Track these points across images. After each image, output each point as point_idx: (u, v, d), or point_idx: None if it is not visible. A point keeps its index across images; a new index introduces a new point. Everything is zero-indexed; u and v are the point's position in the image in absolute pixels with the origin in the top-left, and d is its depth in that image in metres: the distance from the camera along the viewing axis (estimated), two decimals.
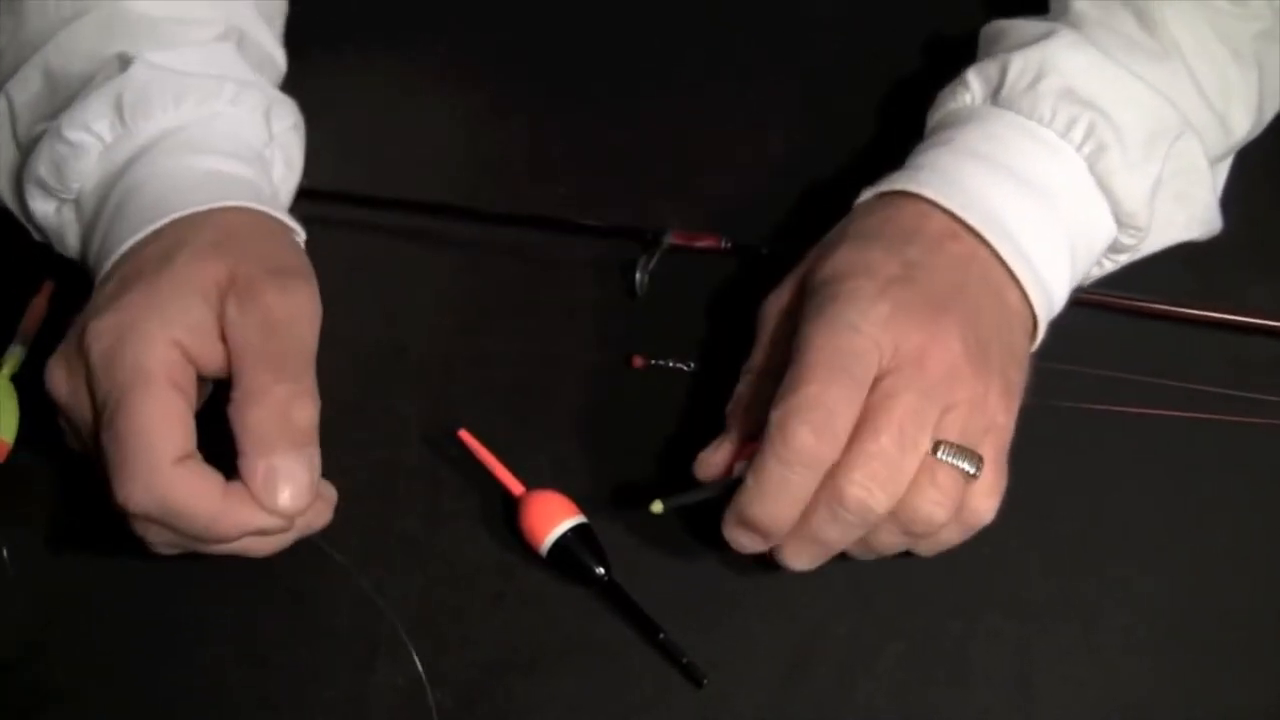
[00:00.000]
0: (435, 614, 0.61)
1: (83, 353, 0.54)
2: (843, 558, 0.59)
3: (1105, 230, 0.62)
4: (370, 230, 0.66)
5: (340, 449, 0.64)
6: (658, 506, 0.56)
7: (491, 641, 0.61)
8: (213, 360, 0.55)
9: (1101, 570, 0.62)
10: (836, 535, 0.55)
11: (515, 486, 0.63)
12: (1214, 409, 0.65)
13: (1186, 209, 0.64)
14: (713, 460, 0.59)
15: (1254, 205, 0.70)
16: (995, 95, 0.63)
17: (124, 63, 0.62)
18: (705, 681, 0.59)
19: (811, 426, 0.53)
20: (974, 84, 0.64)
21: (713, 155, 0.74)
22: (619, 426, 0.66)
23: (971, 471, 0.54)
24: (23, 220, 0.66)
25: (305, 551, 0.62)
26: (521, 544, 0.62)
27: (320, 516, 0.58)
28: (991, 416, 0.56)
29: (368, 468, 0.65)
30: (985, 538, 0.62)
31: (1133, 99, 0.61)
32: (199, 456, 0.54)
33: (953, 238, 0.58)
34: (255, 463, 0.54)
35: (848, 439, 0.53)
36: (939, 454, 0.54)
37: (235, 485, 0.54)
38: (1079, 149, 0.61)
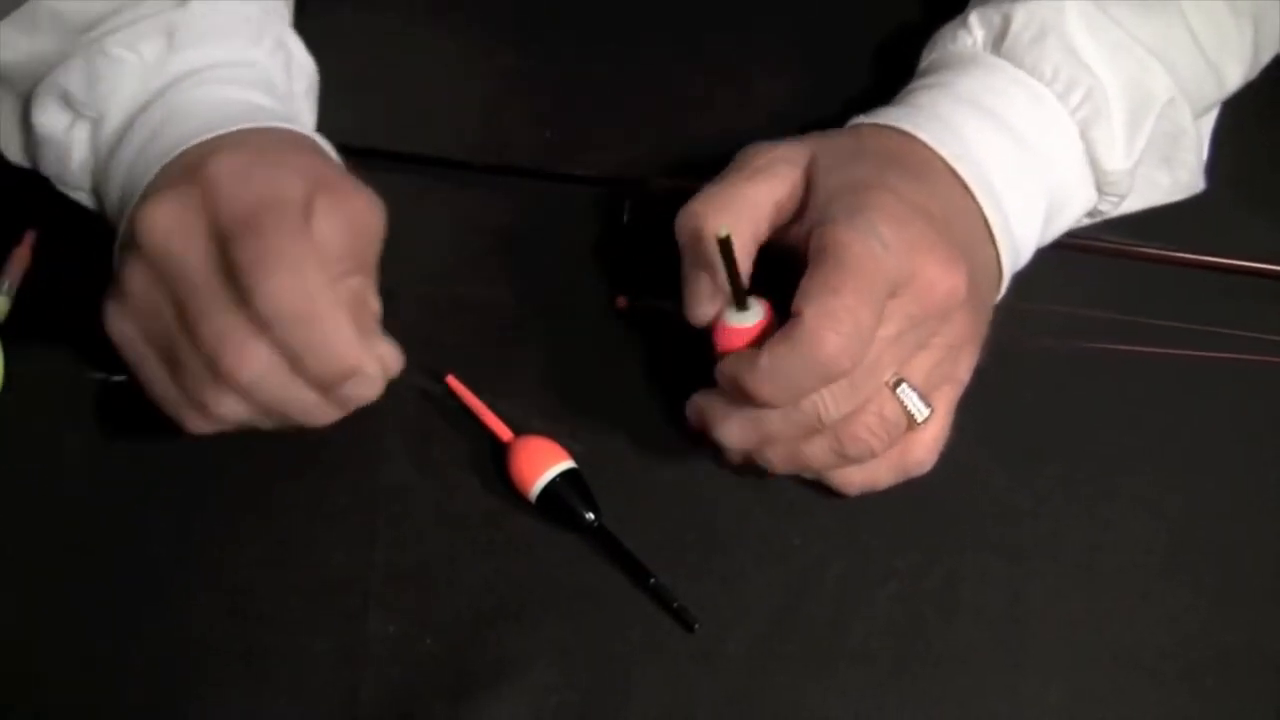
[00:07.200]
0: (426, 562, 0.61)
1: (204, 182, 0.54)
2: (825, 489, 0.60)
3: (1084, 196, 0.62)
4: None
5: None
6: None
7: (482, 589, 0.61)
8: None
9: (1093, 510, 0.62)
10: (778, 428, 0.55)
11: (504, 432, 0.62)
12: (1206, 348, 0.65)
13: (1171, 172, 0.64)
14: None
15: (1246, 148, 0.69)
16: (997, 44, 0.62)
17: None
18: (697, 626, 0.59)
19: (842, 339, 0.52)
20: (976, 28, 0.63)
21: (700, 99, 0.73)
22: (607, 370, 0.65)
23: (919, 419, 0.55)
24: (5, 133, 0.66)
25: (294, 500, 0.62)
26: (510, 490, 0.62)
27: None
28: (956, 368, 0.56)
29: (355, 415, 0.63)
30: (977, 479, 0.62)
31: (1129, 68, 0.60)
32: None
33: (961, 193, 0.58)
34: None
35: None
36: (898, 390, 0.54)
37: None
38: (1074, 113, 0.60)
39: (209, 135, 0.58)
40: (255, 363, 0.53)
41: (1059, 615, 0.60)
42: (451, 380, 0.63)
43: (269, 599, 0.61)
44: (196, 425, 0.57)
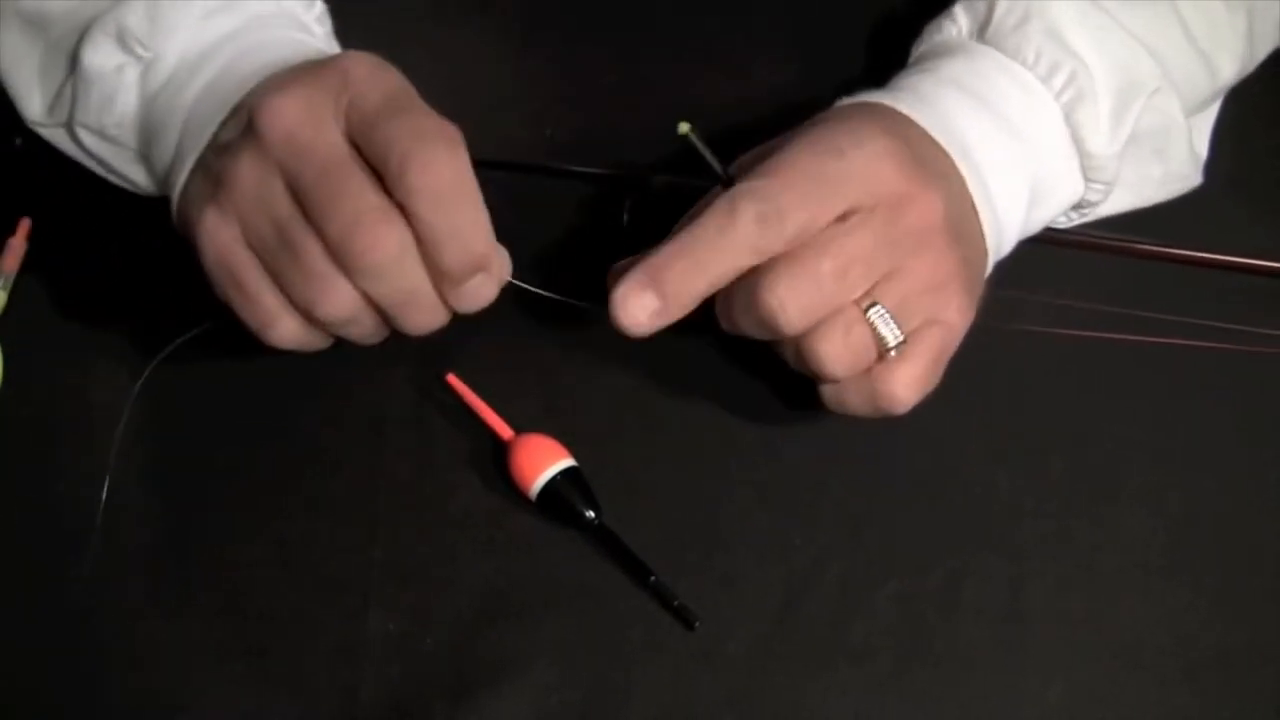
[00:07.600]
0: (426, 560, 0.61)
1: (337, 72, 0.54)
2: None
3: (1071, 183, 0.61)
4: None
5: (327, 396, 0.64)
6: (684, 127, 0.53)
7: (482, 587, 0.61)
8: None
9: (1093, 510, 0.62)
10: (742, 324, 0.54)
11: (504, 430, 0.62)
12: (1207, 341, 0.65)
13: (1163, 164, 0.64)
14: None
15: (1246, 147, 0.69)
16: (981, 32, 0.62)
17: None
18: (697, 624, 0.60)
19: (759, 214, 0.51)
20: (960, 18, 0.63)
21: (700, 95, 0.72)
22: (607, 369, 0.65)
23: (890, 344, 0.53)
24: (39, 70, 0.64)
25: (294, 500, 0.62)
26: (511, 489, 0.61)
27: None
28: (942, 308, 0.55)
29: (356, 414, 0.64)
30: (977, 479, 0.62)
31: (1115, 52, 0.60)
32: None
33: (944, 157, 0.57)
34: None
35: (791, 246, 0.52)
36: (867, 311, 0.53)
37: None
38: (1057, 96, 0.60)
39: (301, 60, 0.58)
40: (390, 242, 0.52)
41: (1059, 615, 0.60)
42: (452, 379, 0.63)
43: (269, 598, 0.60)
44: (288, 334, 0.55)
